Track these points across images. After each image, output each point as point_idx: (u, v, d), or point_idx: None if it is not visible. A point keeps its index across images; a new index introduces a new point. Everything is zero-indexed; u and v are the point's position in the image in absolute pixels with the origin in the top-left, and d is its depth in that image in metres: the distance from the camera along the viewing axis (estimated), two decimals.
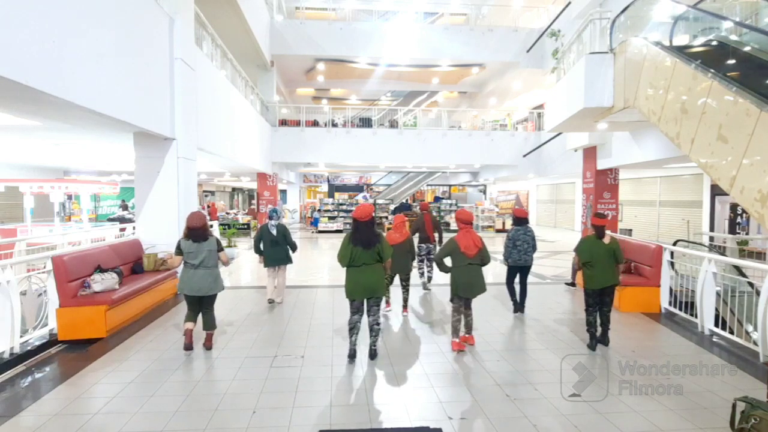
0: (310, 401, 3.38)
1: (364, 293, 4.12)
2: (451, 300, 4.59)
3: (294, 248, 6.39)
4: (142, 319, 5.50)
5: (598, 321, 4.62)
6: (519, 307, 5.86)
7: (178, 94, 6.72)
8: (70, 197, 16.04)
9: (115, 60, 5.13)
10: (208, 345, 4.47)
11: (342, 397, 3.47)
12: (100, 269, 5.22)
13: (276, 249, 6.21)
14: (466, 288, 4.45)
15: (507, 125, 18.13)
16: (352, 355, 4.16)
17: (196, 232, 4.34)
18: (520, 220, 5.86)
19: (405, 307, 5.80)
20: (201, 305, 4.47)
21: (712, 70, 4.48)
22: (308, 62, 16.71)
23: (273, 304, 6.26)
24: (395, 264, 5.24)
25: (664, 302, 5.91)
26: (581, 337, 4.89)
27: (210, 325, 4.52)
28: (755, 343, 4.34)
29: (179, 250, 4.36)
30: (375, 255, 4.09)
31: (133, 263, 6.19)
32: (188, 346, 4.35)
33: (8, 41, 3.39)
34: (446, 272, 4.54)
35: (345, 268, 4.17)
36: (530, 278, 6.12)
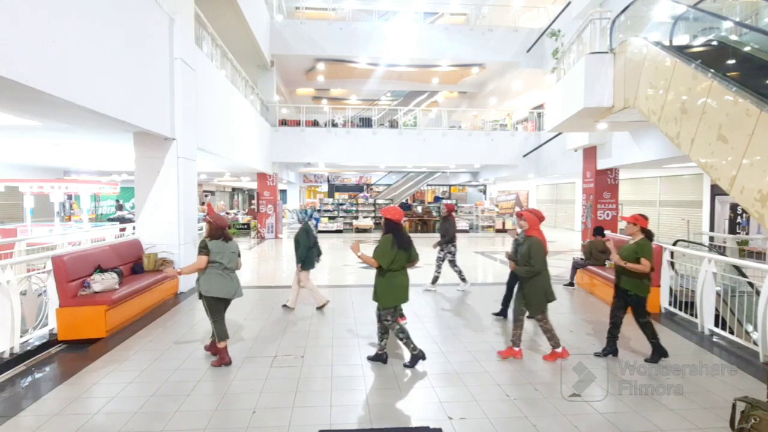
0: (310, 401, 3.38)
1: (406, 297, 4.03)
2: (539, 314, 4.27)
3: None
4: (142, 319, 5.50)
5: None
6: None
7: (178, 94, 6.72)
8: (70, 197, 16.03)
9: (115, 60, 5.13)
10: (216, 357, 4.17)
11: (342, 397, 3.47)
12: (100, 269, 5.22)
13: (314, 250, 6.34)
14: (550, 291, 4.29)
15: (507, 125, 18.12)
16: (422, 356, 4.04)
17: (226, 232, 4.13)
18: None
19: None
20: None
21: (712, 70, 4.48)
22: (308, 62, 16.69)
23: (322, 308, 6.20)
24: None
25: (664, 302, 5.91)
26: (581, 337, 4.91)
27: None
28: (755, 343, 4.34)
29: (206, 250, 3.98)
30: (408, 257, 3.99)
31: (133, 263, 6.19)
32: (230, 361, 4.11)
33: (8, 41, 3.39)
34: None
35: (384, 274, 3.92)
36: None
